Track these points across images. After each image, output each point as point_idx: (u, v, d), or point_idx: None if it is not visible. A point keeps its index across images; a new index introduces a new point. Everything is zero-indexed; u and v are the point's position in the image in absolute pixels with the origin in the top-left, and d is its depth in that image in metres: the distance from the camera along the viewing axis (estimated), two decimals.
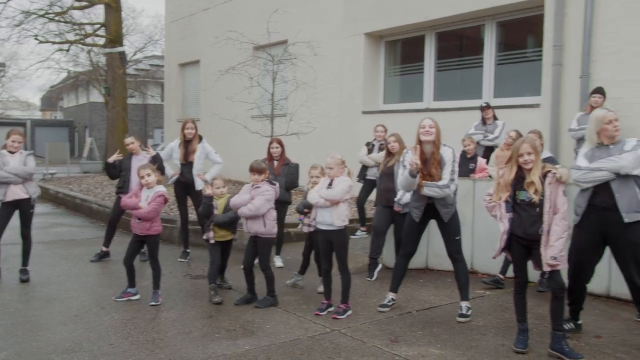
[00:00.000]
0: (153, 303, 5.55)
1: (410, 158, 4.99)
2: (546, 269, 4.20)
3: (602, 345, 4.51)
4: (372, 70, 11.74)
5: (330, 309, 5.33)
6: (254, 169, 5.57)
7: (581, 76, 8.15)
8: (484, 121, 8.62)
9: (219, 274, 6.02)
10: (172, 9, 18.12)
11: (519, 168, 4.29)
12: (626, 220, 4.31)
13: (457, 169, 5.13)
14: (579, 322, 4.85)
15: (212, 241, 5.80)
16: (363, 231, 8.66)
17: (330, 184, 5.22)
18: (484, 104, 8.68)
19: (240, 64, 11.08)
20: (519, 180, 4.28)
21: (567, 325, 4.64)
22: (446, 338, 4.68)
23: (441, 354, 4.32)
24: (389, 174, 6.47)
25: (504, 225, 4.37)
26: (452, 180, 5.03)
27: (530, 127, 7.30)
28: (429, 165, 5.03)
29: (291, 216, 8.14)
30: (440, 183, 5.01)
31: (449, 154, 5.08)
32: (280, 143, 7.14)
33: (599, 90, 7.53)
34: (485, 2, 9.46)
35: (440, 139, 5.07)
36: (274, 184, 5.71)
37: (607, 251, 4.64)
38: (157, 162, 6.86)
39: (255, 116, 11.73)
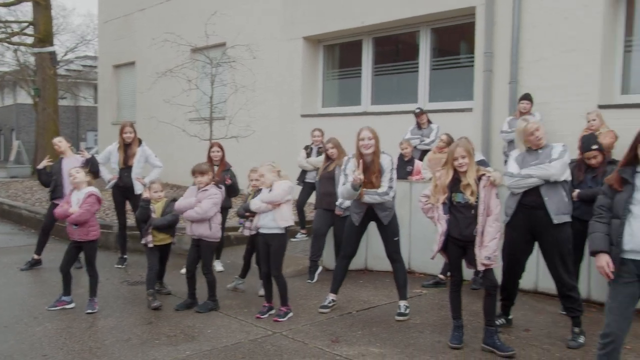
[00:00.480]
0: (89, 311, 5.41)
1: (351, 169, 5.15)
2: (480, 268, 4.39)
3: (531, 338, 4.75)
4: (311, 74, 11.85)
5: (272, 312, 5.35)
6: (197, 171, 5.53)
7: (510, 82, 8.52)
8: (419, 125, 8.88)
9: (157, 279, 5.93)
10: (106, 8, 17.61)
11: (455, 171, 4.46)
12: (555, 221, 4.56)
13: (395, 176, 5.28)
14: (510, 317, 5.08)
15: (150, 245, 5.71)
16: (303, 234, 8.72)
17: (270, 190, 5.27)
18: (418, 110, 8.93)
19: (178, 66, 10.90)
20: (455, 183, 4.45)
21: (499, 321, 4.86)
22: (385, 337, 4.80)
23: (381, 352, 4.43)
24: (328, 178, 6.57)
25: (441, 227, 4.52)
26: (390, 187, 5.19)
27: (463, 130, 7.59)
28: (369, 174, 5.15)
29: (231, 220, 8.10)
30: (380, 191, 5.15)
31: (388, 162, 5.23)
32: (221, 147, 7.07)
33: (527, 97, 7.89)
34: (420, 9, 9.73)
35: (379, 147, 5.20)
36: (220, 187, 5.69)
37: (534, 248, 4.89)
38: (90, 165, 6.66)
39: (194, 119, 11.57)
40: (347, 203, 6.06)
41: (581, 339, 4.57)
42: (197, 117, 11.20)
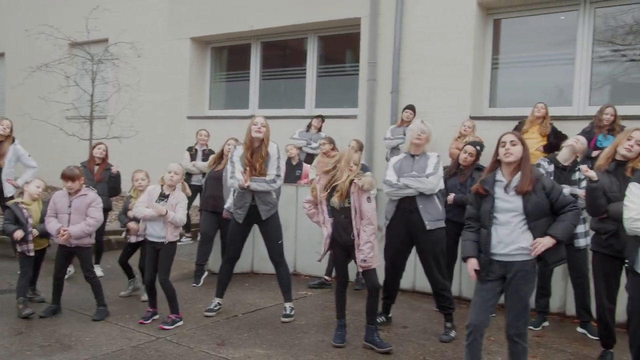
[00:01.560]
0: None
1: (237, 156, 5.23)
2: (360, 269, 4.60)
3: (408, 334, 5.05)
4: (198, 75, 11.69)
5: (156, 317, 5.23)
6: (68, 176, 5.20)
7: (392, 91, 8.96)
8: (308, 128, 9.01)
9: (29, 285, 5.57)
10: None
11: (332, 177, 4.63)
12: (428, 227, 4.87)
13: (282, 165, 5.37)
14: (390, 315, 5.36)
15: (31, 254, 5.35)
16: (188, 237, 8.58)
17: (164, 196, 5.14)
18: (320, 118, 9.04)
19: (55, 61, 10.30)
20: (333, 188, 4.62)
21: (380, 319, 5.11)
22: (271, 338, 4.87)
23: (266, 354, 4.50)
24: (216, 179, 6.54)
25: (326, 230, 4.67)
26: (278, 175, 5.27)
27: (348, 136, 7.89)
28: (255, 158, 5.21)
29: (112, 223, 7.79)
30: (267, 178, 5.22)
31: (275, 150, 5.31)
32: (106, 147, 6.85)
33: (411, 107, 8.30)
34: (307, 17, 9.94)
35: (269, 136, 5.28)
36: (94, 190, 5.46)
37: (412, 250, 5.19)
38: None
39: (72, 117, 10.98)
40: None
41: (452, 333, 4.93)
42: (76, 115, 10.64)
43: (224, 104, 11.79)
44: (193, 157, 8.34)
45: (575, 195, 4.66)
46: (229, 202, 6.03)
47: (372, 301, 4.67)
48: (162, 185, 5.24)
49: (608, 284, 4.24)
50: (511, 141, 3.57)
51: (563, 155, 5.17)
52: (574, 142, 5.12)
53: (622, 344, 4.16)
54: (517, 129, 7.14)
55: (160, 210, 5.01)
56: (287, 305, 5.45)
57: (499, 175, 3.63)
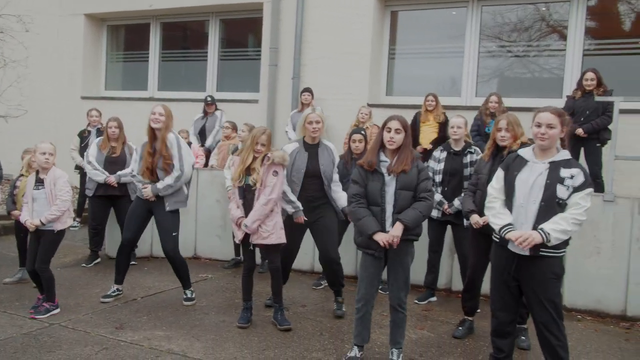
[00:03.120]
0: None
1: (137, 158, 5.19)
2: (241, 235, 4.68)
3: (307, 312, 5.25)
4: (93, 54, 11.21)
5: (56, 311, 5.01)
6: None
7: (293, 77, 9.10)
8: (205, 113, 8.93)
9: None
10: None
11: (243, 159, 4.69)
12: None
13: (184, 154, 5.22)
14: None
15: None
16: (77, 222, 8.27)
17: (40, 181, 4.89)
18: (209, 100, 8.96)
19: None
20: (247, 169, 4.67)
21: (268, 302, 5.24)
22: (171, 320, 4.89)
23: (166, 335, 4.52)
24: (111, 162, 6.36)
25: (241, 211, 4.72)
26: (180, 171, 5.18)
27: (250, 120, 7.92)
28: (158, 151, 5.15)
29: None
30: (167, 181, 5.16)
31: (173, 139, 5.20)
32: None
33: (309, 90, 8.48)
34: None
35: (169, 125, 5.21)
36: None
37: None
38: None
39: None
40: (126, 180, 5.98)
41: (344, 308, 5.19)
42: None
43: (121, 85, 11.40)
44: (85, 141, 7.89)
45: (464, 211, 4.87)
46: (125, 179, 5.88)
47: (275, 282, 4.80)
48: (36, 172, 4.98)
49: (479, 259, 4.61)
50: (396, 129, 3.83)
51: (452, 143, 5.55)
52: (452, 133, 5.49)
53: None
54: (416, 118, 7.56)
55: (36, 225, 4.83)
56: (187, 290, 5.46)
57: (383, 156, 3.89)
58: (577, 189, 3.32)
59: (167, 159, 5.14)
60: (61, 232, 4.98)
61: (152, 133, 5.18)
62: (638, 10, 7.77)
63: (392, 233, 3.77)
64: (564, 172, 3.34)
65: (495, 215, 3.55)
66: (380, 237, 3.78)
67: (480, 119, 7.22)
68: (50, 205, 4.84)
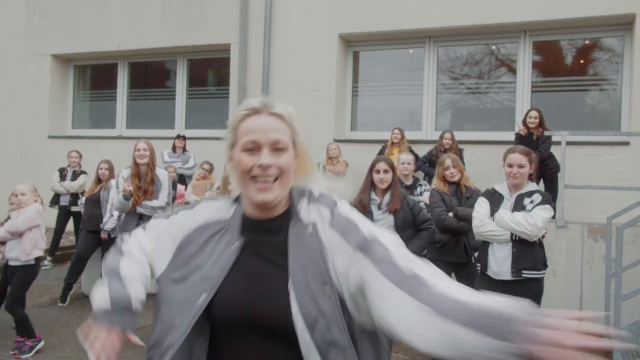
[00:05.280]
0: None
1: (122, 180, 5.30)
2: None
3: None
4: (60, 93, 11.30)
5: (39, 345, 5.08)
6: None
7: None
8: (174, 149, 9.16)
9: None
10: None
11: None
12: None
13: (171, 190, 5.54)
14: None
15: None
16: (49, 261, 8.25)
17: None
18: (182, 135, 9.23)
19: None
20: None
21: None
22: None
23: None
24: (94, 200, 6.53)
25: None
26: (168, 204, 5.46)
27: (219, 158, 8.19)
28: (144, 184, 5.37)
29: None
30: (155, 204, 5.37)
31: (165, 177, 5.50)
32: None
33: None
34: (177, 40, 10.07)
35: (154, 161, 5.46)
36: None
37: None
38: None
39: None
40: (111, 224, 6.10)
41: None
42: None
43: (89, 124, 11.50)
44: (63, 178, 8.15)
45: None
46: (109, 224, 6.05)
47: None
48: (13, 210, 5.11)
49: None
50: (384, 170, 4.22)
51: (402, 177, 5.99)
52: (402, 168, 5.91)
53: None
54: (381, 152, 7.94)
55: None
56: None
57: (373, 195, 4.24)
58: (536, 206, 3.77)
59: (150, 193, 5.37)
60: (31, 271, 4.99)
61: (137, 169, 5.40)
62: (579, 48, 8.46)
63: None
64: (526, 200, 3.80)
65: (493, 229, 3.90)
66: None
67: (436, 154, 7.63)
68: (17, 243, 4.90)
